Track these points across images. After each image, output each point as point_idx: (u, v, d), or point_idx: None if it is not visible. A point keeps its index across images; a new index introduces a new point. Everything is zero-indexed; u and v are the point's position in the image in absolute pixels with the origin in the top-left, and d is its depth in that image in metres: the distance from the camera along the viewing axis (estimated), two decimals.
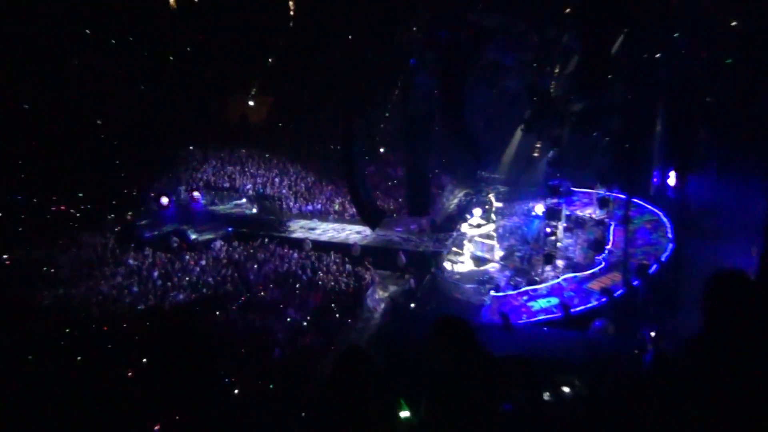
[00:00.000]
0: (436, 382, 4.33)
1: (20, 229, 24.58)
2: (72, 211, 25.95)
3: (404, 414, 4.63)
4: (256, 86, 34.20)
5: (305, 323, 19.32)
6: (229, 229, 25.45)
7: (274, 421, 13.80)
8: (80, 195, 27.14)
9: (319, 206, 26.48)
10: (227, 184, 28.20)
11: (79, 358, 16.95)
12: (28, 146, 29.73)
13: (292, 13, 37.09)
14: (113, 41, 34.77)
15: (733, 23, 29.20)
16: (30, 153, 29.24)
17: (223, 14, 36.16)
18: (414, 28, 24.08)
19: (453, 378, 4.28)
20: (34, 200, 26.37)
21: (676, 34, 26.08)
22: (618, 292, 20.01)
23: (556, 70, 25.59)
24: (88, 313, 20.04)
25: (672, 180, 21.64)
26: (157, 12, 35.65)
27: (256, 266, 22.50)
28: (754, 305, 3.45)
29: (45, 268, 22.46)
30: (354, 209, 22.87)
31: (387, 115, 29.26)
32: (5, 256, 22.98)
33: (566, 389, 11.34)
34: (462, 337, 4.37)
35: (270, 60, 35.21)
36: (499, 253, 22.93)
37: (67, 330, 18.73)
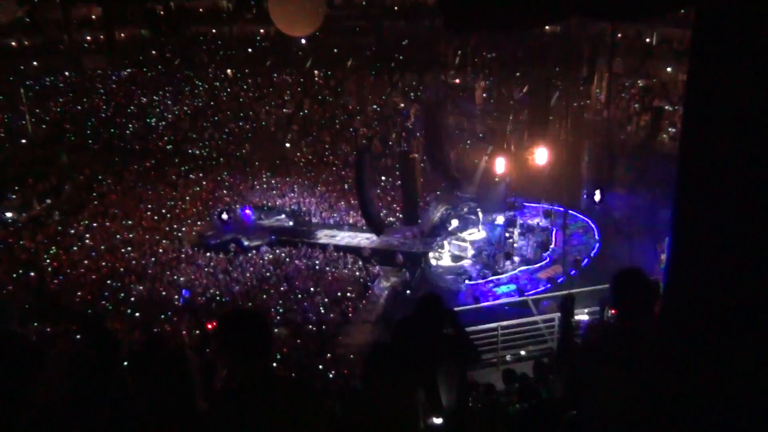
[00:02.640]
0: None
1: (120, 237, 24.58)
2: (157, 225, 25.89)
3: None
4: (293, 134, 34.19)
5: (329, 304, 19.26)
6: (273, 237, 25.37)
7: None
8: (164, 211, 27.13)
9: (338, 219, 26.41)
10: (270, 204, 28.17)
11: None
12: (132, 173, 29.89)
13: (317, 78, 37.20)
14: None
15: (640, 82, 29.28)
16: (130, 178, 29.39)
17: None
18: (406, 88, 24.18)
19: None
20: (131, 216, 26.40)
21: (597, 90, 26.08)
22: (560, 280, 19.92)
23: (510, 117, 25.59)
24: (169, 298, 20.00)
25: (597, 196, 21.56)
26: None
27: (292, 264, 22.44)
28: (647, 293, 3.45)
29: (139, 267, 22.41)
30: (364, 221, 22.79)
31: (387, 152, 29.24)
32: (106, 260, 22.90)
33: (522, 352, 11.24)
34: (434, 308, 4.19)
35: (305, 111, 35.24)
36: (471, 252, 22.81)
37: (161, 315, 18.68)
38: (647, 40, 31.61)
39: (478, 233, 23.90)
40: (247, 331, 2.77)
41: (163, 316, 18.31)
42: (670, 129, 26.47)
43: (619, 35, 27.86)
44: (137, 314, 18.75)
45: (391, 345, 3.98)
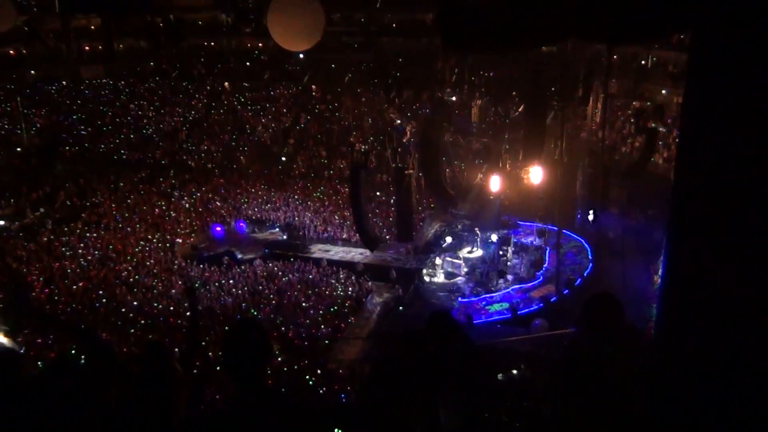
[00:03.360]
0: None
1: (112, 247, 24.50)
2: (150, 237, 25.82)
3: None
4: (289, 148, 34.30)
5: (320, 319, 19.22)
6: (266, 250, 25.34)
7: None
8: (157, 222, 27.08)
9: (332, 234, 26.41)
10: (265, 217, 28.17)
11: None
12: (126, 183, 29.90)
13: (314, 93, 37.41)
14: None
15: (635, 104, 29.52)
16: (124, 189, 29.38)
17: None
18: (402, 104, 24.33)
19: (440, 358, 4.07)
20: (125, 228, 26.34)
21: (596, 110, 26.24)
22: (552, 299, 19.95)
23: (506, 136, 25.74)
24: (159, 308, 19.91)
25: (591, 216, 21.67)
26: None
27: (285, 278, 22.39)
28: (617, 317, 3.46)
29: (130, 278, 22.32)
30: (358, 236, 22.82)
31: (382, 167, 29.40)
32: (97, 270, 22.82)
33: (515, 371, 11.21)
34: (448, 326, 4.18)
35: (302, 125, 35.38)
36: (464, 270, 22.82)
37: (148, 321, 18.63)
38: (642, 62, 31.97)
39: (476, 251, 23.86)
40: (248, 342, 2.77)
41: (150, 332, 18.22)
42: (663, 151, 26.70)
43: (615, 57, 28.16)
44: (127, 325, 18.65)
45: (396, 361, 3.94)
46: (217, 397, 10.40)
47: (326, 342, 18.07)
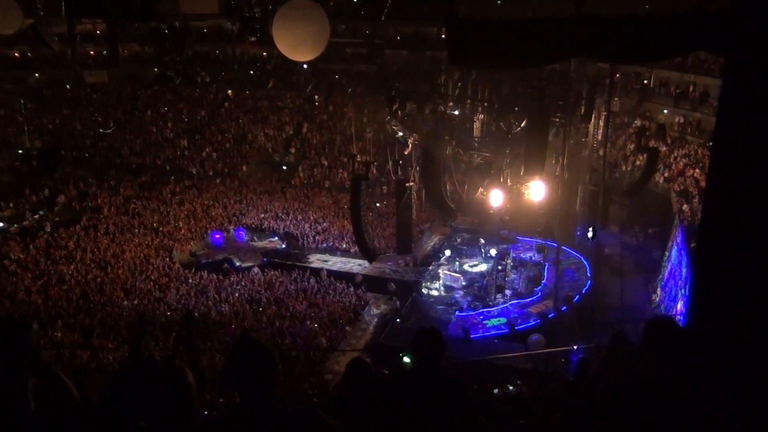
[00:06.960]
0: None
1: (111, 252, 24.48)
2: (149, 242, 25.82)
3: (407, 360, 4.32)
4: (290, 157, 34.41)
5: (318, 329, 19.20)
6: (265, 259, 25.34)
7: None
8: (156, 225, 27.09)
9: (331, 244, 26.42)
10: (264, 226, 28.18)
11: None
12: (127, 188, 29.93)
13: (317, 103, 37.58)
14: None
15: (636, 122, 29.59)
16: (124, 194, 29.39)
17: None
18: (405, 117, 24.39)
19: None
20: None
21: (599, 128, 26.27)
22: (550, 315, 19.93)
23: (507, 151, 25.77)
24: (155, 314, 19.89)
25: (590, 233, 21.70)
26: None
27: (283, 287, 22.38)
28: (677, 340, 3.44)
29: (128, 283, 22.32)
30: (357, 247, 22.83)
31: (383, 179, 29.48)
32: (95, 274, 22.79)
33: (510, 387, 11.20)
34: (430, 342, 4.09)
35: (304, 134, 35.51)
36: (462, 283, 22.79)
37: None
38: (645, 81, 32.13)
39: (480, 265, 23.79)
40: (255, 364, 2.70)
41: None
42: (664, 170, 26.77)
43: (618, 75, 28.29)
44: (123, 330, 18.63)
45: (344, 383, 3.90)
46: (221, 400, 10.43)
47: (323, 352, 18.04)
